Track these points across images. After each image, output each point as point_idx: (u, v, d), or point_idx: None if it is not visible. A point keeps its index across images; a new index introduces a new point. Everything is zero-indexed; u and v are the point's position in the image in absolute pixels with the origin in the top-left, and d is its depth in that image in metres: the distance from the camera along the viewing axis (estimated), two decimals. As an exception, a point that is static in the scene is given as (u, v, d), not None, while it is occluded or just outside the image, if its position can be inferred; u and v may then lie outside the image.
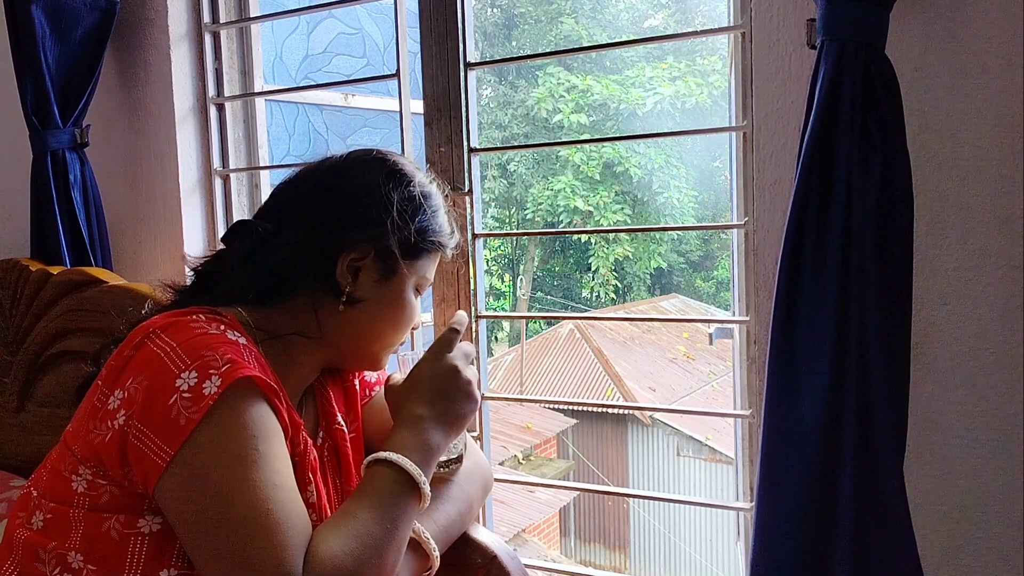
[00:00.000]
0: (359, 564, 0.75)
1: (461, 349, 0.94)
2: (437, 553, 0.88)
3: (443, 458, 0.96)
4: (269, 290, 0.91)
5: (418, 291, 0.99)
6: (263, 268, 0.91)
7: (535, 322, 12.63)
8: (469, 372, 0.93)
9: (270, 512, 0.74)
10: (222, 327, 0.83)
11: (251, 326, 0.88)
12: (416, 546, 0.87)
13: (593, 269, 13.05)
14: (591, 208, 12.11)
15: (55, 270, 1.48)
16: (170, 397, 0.75)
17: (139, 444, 0.76)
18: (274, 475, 0.76)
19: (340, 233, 0.92)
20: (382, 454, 0.84)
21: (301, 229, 0.92)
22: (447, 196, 1.03)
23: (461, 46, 1.38)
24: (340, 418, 1.01)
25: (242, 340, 0.83)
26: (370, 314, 0.93)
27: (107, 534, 0.79)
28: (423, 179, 0.99)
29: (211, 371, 0.76)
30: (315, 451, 0.93)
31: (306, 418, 0.98)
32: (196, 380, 0.76)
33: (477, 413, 1.01)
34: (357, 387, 1.06)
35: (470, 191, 1.41)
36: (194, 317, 0.83)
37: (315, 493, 0.90)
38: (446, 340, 0.93)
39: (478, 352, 1.42)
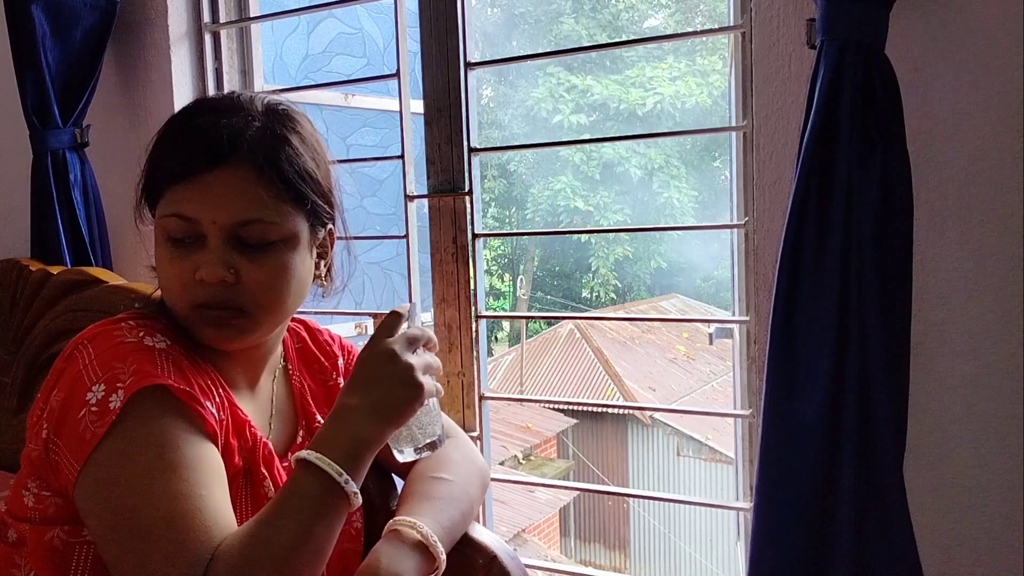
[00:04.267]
0: (258, 571, 0.71)
1: (404, 334, 0.84)
2: (444, 556, 0.88)
3: (415, 445, 0.89)
4: None
5: (174, 237, 0.82)
6: None
7: (535, 322, 12.63)
8: (411, 357, 0.82)
9: (172, 521, 0.72)
10: (142, 333, 0.81)
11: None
12: (423, 548, 0.86)
13: (593, 269, 13.05)
14: (591, 208, 12.12)
15: (55, 270, 1.48)
16: (80, 411, 0.76)
17: (56, 457, 0.77)
18: (180, 484, 0.74)
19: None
20: (302, 453, 0.77)
21: None
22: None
23: (461, 46, 1.38)
24: (320, 417, 1.00)
25: (161, 345, 0.81)
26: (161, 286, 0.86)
27: (50, 543, 0.80)
28: (178, 112, 0.88)
29: (118, 384, 0.76)
30: (269, 445, 0.91)
31: (286, 418, 0.98)
32: (103, 394, 0.76)
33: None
34: (342, 386, 1.05)
35: (470, 191, 1.41)
36: (121, 325, 0.82)
37: (272, 488, 0.88)
38: (385, 325, 0.84)
39: (478, 351, 1.42)
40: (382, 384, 0.80)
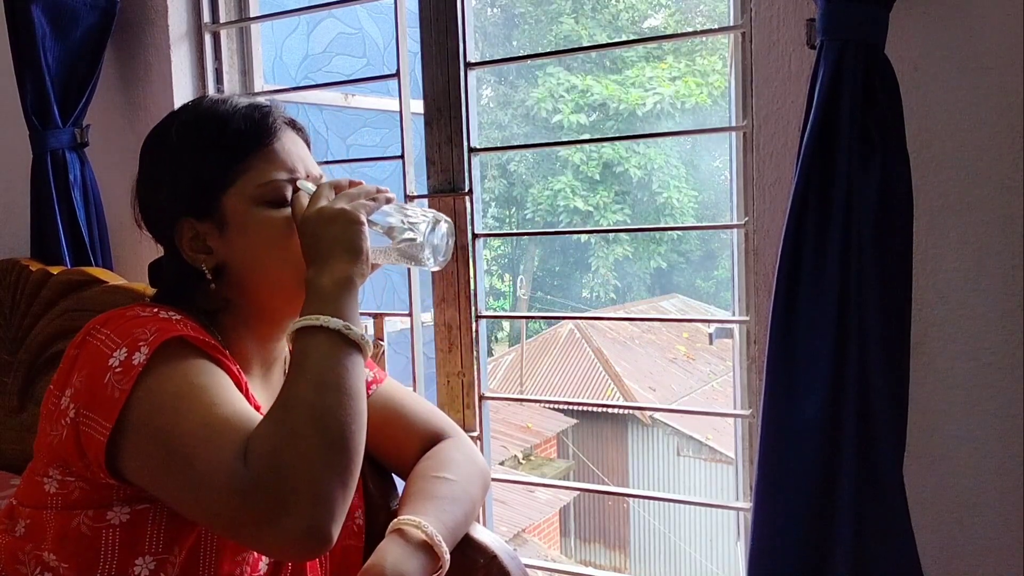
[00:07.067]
0: (291, 426, 0.72)
1: (319, 192, 0.85)
2: (448, 556, 0.88)
3: (422, 249, 0.87)
4: (178, 293, 0.90)
5: (271, 200, 0.86)
6: (166, 275, 0.93)
7: (535, 322, 12.63)
8: (319, 204, 0.83)
9: (207, 424, 0.74)
10: (156, 310, 0.83)
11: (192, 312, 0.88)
12: (428, 548, 0.87)
13: (593, 269, 13.06)
14: (591, 208, 12.12)
15: (55, 270, 1.48)
16: (104, 377, 0.77)
17: (87, 429, 0.77)
18: (211, 396, 0.76)
19: (162, 229, 0.90)
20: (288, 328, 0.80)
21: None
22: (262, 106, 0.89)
23: (461, 46, 1.38)
24: None
25: (176, 316, 0.82)
26: (247, 264, 0.87)
27: (77, 530, 0.80)
28: (189, 111, 0.90)
29: (140, 343, 0.77)
30: None
31: None
32: (126, 355, 0.77)
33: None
34: None
35: (470, 191, 1.41)
36: (132, 307, 0.85)
37: None
38: (293, 212, 0.86)
39: (478, 351, 1.42)
40: (315, 241, 0.82)
